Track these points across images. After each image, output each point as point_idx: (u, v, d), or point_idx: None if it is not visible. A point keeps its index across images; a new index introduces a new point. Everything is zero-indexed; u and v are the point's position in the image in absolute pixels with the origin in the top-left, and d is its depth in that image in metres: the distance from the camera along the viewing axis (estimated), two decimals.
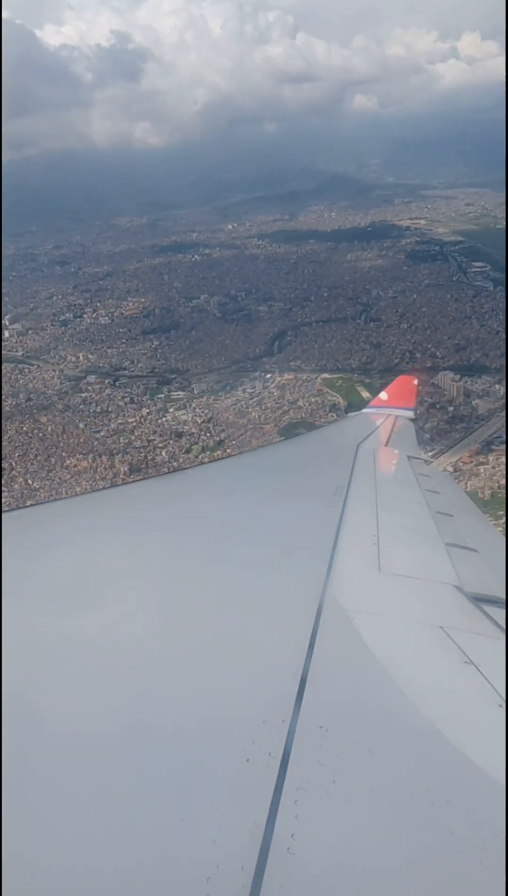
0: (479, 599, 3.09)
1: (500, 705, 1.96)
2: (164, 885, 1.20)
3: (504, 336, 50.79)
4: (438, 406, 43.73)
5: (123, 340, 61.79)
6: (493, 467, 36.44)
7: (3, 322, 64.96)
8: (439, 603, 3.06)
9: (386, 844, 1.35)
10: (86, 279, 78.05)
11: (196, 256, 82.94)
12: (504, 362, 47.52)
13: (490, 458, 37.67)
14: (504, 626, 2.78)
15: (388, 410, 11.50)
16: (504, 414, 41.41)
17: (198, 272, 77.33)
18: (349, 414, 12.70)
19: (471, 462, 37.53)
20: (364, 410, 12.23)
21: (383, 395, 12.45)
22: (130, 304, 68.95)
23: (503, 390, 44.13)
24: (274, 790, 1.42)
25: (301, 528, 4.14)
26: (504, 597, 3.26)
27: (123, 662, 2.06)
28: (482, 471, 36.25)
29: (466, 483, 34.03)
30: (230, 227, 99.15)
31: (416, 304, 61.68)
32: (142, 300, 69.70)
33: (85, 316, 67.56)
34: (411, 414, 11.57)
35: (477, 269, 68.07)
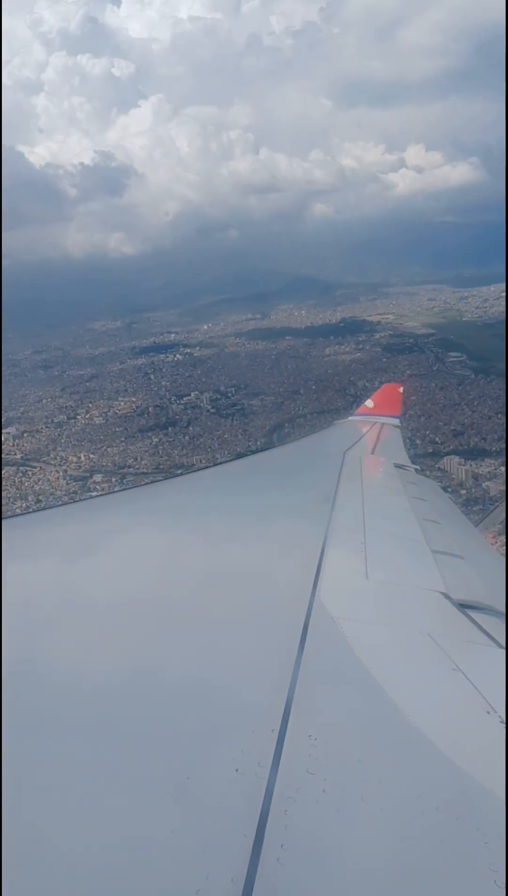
0: (466, 606, 3.10)
1: (488, 712, 1.96)
2: None
3: (497, 420, 53.04)
4: (450, 490, 44.83)
5: (122, 439, 62.12)
6: None
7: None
8: (426, 610, 3.08)
9: (376, 853, 1.34)
10: (73, 381, 79.02)
11: (178, 356, 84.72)
12: (503, 445, 49.33)
13: None
14: (490, 632, 2.80)
15: (374, 418, 11.50)
16: None
17: (183, 370, 79.05)
18: (335, 421, 12.56)
19: (496, 543, 38.22)
20: (350, 418, 12.15)
21: (369, 403, 12.43)
22: (122, 403, 69.73)
23: None
24: (263, 800, 1.42)
25: (288, 537, 4.13)
26: (490, 604, 3.27)
27: (110, 668, 2.08)
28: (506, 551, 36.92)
29: None
30: (206, 326, 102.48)
31: (404, 393, 63.87)
32: (133, 399, 70.59)
33: (78, 417, 67.92)
34: (397, 422, 11.56)
35: (455, 359, 71.44)
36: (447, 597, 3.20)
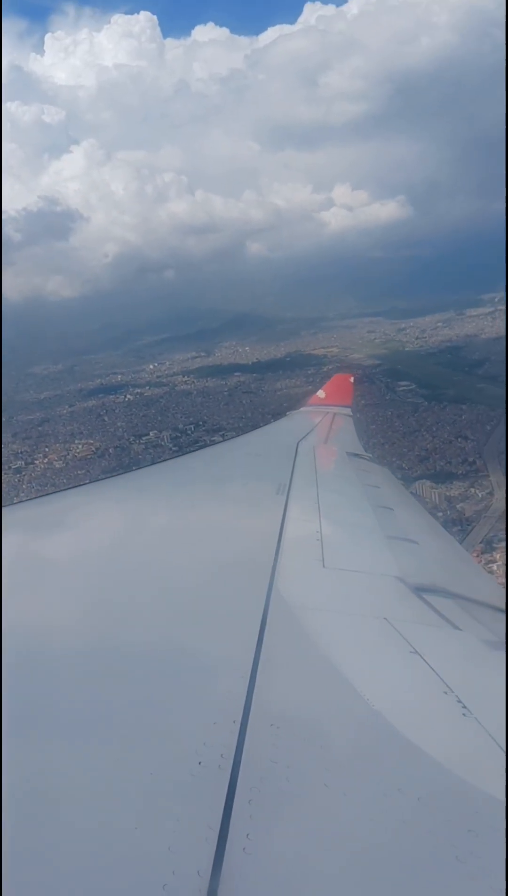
0: (421, 589, 3.18)
1: (446, 693, 2.01)
2: None
3: (458, 444, 54.97)
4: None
5: (87, 481, 60.52)
6: (503, 563, 38.41)
7: None
8: (383, 595, 3.12)
9: (340, 838, 1.36)
10: (23, 427, 76.99)
11: (128, 396, 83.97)
12: (468, 468, 51.08)
13: (497, 556, 39.68)
14: (445, 615, 2.90)
15: (326, 408, 11.63)
16: (492, 514, 44.08)
17: (137, 410, 78.31)
18: (288, 412, 12.63)
19: (481, 562, 39.30)
20: (302, 409, 12.33)
21: (320, 394, 12.68)
22: (79, 446, 68.31)
23: (480, 493, 47.19)
24: (227, 791, 1.43)
25: (243, 528, 4.20)
26: (444, 586, 3.41)
27: (72, 660, 2.10)
28: (495, 568, 38.04)
29: None
30: (151, 366, 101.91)
31: (362, 422, 65.01)
32: (90, 441, 69.29)
33: (36, 462, 66.15)
34: (349, 411, 11.75)
35: (405, 388, 73.64)
36: (402, 581, 3.29)
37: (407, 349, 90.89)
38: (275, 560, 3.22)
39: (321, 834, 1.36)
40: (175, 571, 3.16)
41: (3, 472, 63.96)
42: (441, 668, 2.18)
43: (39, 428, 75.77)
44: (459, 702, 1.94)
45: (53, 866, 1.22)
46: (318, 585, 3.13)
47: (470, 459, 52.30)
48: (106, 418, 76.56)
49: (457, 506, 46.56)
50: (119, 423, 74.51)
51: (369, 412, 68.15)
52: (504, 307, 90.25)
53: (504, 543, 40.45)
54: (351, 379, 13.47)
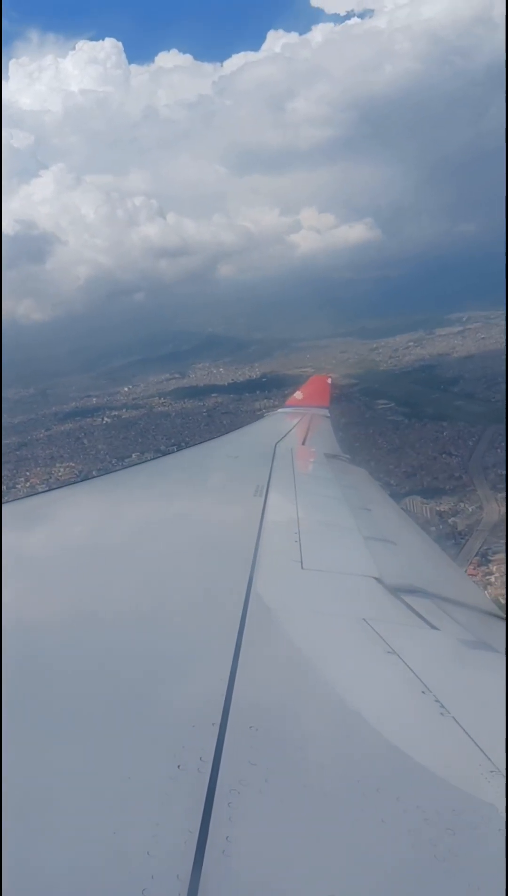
0: (398, 590, 3.20)
1: (423, 692, 2.02)
2: None
3: (442, 461, 55.89)
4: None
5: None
6: (500, 575, 39.06)
7: None
8: (361, 596, 3.14)
9: (320, 839, 1.36)
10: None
11: (106, 419, 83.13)
12: (455, 483, 51.94)
13: (493, 567, 40.34)
14: (423, 614, 2.92)
15: (304, 409, 11.96)
16: (484, 527, 44.84)
17: (116, 433, 77.66)
18: (266, 414, 12.79)
19: (478, 574, 39.89)
20: (280, 410, 12.72)
21: (298, 395, 13.13)
22: (61, 470, 67.37)
23: (471, 508, 48.00)
24: (206, 794, 1.42)
25: (222, 530, 4.19)
26: (422, 586, 3.43)
27: (50, 665, 2.09)
28: (493, 580, 38.67)
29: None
30: (126, 388, 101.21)
31: (345, 441, 65.65)
32: (72, 465, 68.45)
33: (18, 486, 65.01)
34: (326, 412, 12.00)
35: (384, 406, 74.58)
36: (380, 581, 3.31)
37: (381, 368, 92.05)
38: (254, 562, 3.21)
39: (300, 836, 1.36)
40: (152, 573, 3.15)
41: None
42: (419, 668, 2.19)
43: (17, 452, 74.47)
44: (437, 701, 1.95)
45: (30, 872, 1.21)
46: (297, 587, 3.14)
47: (457, 475, 53.21)
48: (85, 441, 75.74)
49: (449, 520, 47.26)
50: (99, 446, 73.71)
51: (351, 430, 68.73)
52: (473, 327, 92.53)
53: (499, 556, 41.17)
54: (328, 380, 13.66)
